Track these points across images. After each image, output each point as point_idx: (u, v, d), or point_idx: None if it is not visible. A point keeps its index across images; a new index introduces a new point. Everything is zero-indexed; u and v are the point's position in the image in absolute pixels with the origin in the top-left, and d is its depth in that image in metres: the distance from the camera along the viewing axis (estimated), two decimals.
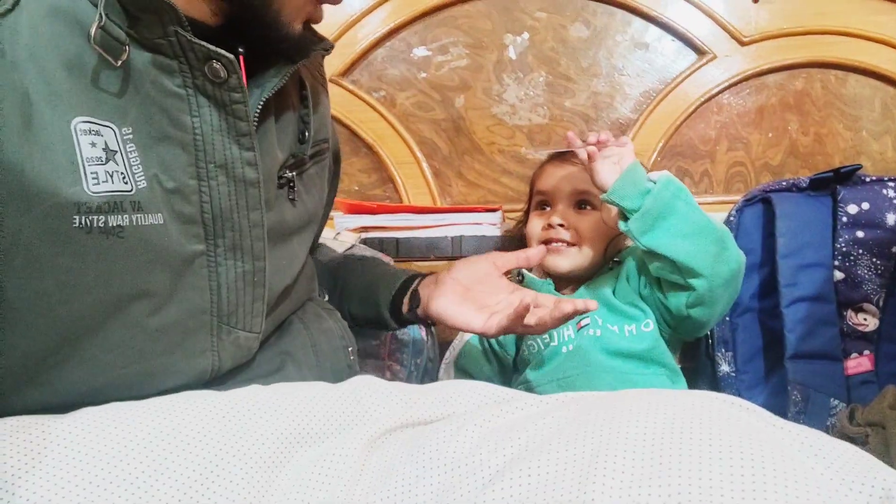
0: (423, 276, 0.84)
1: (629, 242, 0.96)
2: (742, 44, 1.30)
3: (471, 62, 1.36)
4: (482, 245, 1.14)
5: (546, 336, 0.91)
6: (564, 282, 0.97)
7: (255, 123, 0.60)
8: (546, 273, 0.98)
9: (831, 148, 1.31)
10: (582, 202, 0.95)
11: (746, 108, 1.32)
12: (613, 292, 0.92)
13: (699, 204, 1.30)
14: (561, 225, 0.94)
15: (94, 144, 0.51)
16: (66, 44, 0.51)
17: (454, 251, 1.14)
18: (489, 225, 1.15)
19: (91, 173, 0.51)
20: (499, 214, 1.17)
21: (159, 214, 0.55)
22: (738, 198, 1.30)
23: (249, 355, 0.64)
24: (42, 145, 0.49)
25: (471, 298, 0.78)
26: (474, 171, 1.36)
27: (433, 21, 1.35)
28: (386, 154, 1.35)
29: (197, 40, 0.54)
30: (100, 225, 0.52)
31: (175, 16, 0.53)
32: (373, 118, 1.35)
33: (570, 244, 0.94)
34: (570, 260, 0.94)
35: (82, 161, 0.51)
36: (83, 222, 0.51)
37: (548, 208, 0.97)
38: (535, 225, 0.97)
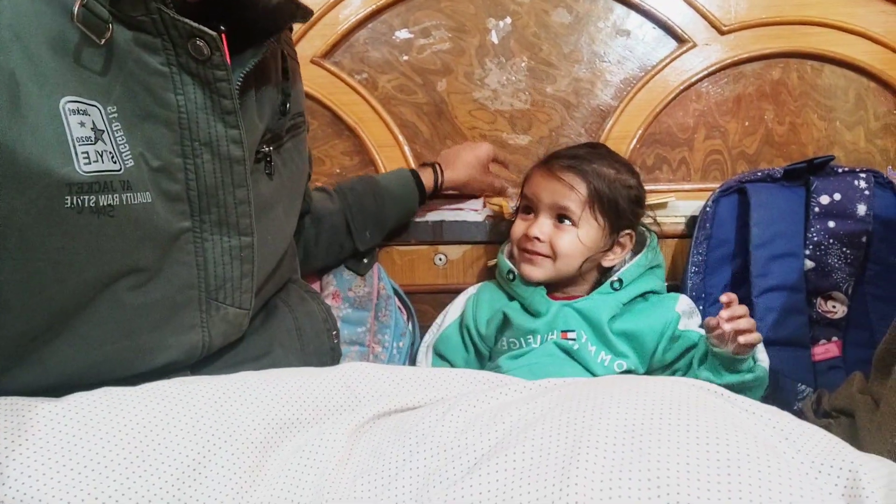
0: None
1: (611, 259, 0.98)
2: (721, 32, 1.31)
3: (453, 46, 1.36)
4: (463, 230, 1.15)
5: (529, 336, 0.94)
6: (555, 290, 0.99)
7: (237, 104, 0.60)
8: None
9: (806, 138, 1.33)
10: (562, 216, 0.97)
11: (724, 97, 1.34)
12: (612, 319, 0.93)
13: (677, 191, 1.35)
14: (538, 238, 0.96)
15: (83, 124, 0.52)
16: (50, 22, 0.51)
17: (435, 235, 1.15)
18: (471, 210, 1.16)
19: (82, 153, 0.51)
20: (480, 200, 1.18)
21: (147, 193, 0.56)
22: (715, 185, 1.33)
23: (239, 332, 0.65)
24: (31, 126, 0.49)
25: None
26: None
27: (415, 3, 1.35)
28: (367, 137, 1.35)
29: (180, 17, 0.54)
30: (91, 205, 0.52)
31: None
32: (355, 101, 1.35)
33: (544, 256, 0.96)
34: (542, 271, 0.97)
35: (72, 141, 0.51)
36: (75, 202, 0.51)
37: (531, 215, 0.99)
38: (518, 229, 1.00)
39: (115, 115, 0.54)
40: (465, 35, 1.35)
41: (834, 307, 1.02)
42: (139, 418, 0.48)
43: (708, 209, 1.06)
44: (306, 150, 0.79)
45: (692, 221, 1.12)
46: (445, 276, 1.17)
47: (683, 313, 0.96)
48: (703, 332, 0.94)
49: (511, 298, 1.00)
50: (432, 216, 1.16)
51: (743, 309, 0.84)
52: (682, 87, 1.33)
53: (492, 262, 1.13)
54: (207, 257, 0.61)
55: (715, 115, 1.34)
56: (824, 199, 1.01)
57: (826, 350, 1.01)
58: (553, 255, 0.96)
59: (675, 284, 1.08)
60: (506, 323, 0.97)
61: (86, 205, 0.52)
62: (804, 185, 1.04)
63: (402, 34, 1.36)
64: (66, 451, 0.45)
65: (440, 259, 1.16)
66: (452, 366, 0.99)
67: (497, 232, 1.16)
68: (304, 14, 0.66)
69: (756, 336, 0.83)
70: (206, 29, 0.55)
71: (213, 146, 0.59)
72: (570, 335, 0.92)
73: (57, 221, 0.51)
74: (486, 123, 1.36)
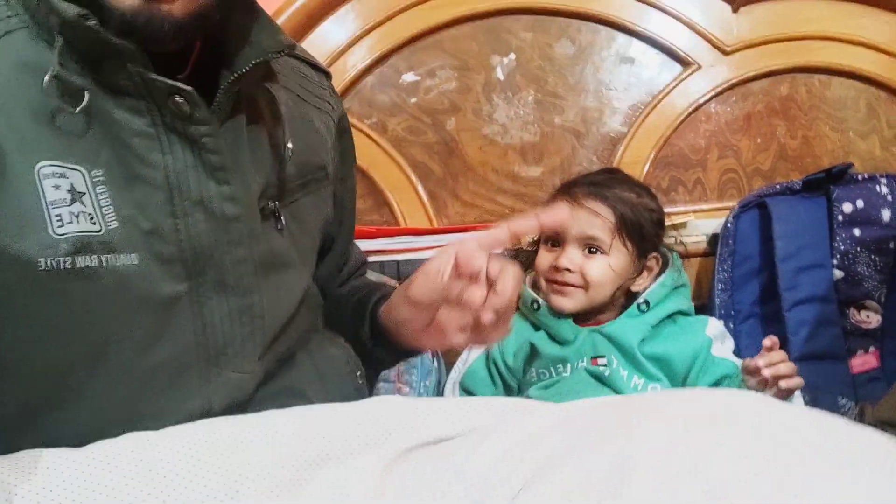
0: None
1: (640, 283, 0.96)
2: (725, 53, 1.32)
3: (459, 84, 1.37)
4: None
5: (560, 365, 0.92)
6: (583, 318, 0.98)
7: (227, 159, 0.58)
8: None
9: (820, 150, 1.32)
10: (591, 246, 0.95)
11: (734, 116, 1.33)
12: (642, 342, 0.92)
13: (695, 211, 1.34)
14: (568, 269, 0.94)
15: (57, 187, 0.51)
16: (32, 93, 0.51)
17: None
18: None
19: (55, 216, 0.51)
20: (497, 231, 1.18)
21: (133, 254, 0.54)
22: (733, 203, 1.32)
23: (244, 397, 0.62)
24: (9, 193, 0.49)
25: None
26: (469, 192, 1.37)
27: (419, 46, 1.37)
28: (380, 179, 1.36)
29: (157, 77, 0.53)
30: (66, 266, 0.51)
31: (136, 56, 0.52)
32: (365, 144, 1.36)
33: (576, 286, 0.94)
34: (574, 301, 0.95)
35: (46, 204, 0.51)
36: (49, 264, 0.50)
37: (556, 247, 0.97)
38: (544, 261, 0.98)
39: (102, 178, 0.53)
40: (470, 73, 1.36)
41: (868, 316, 1.00)
42: (163, 461, 0.47)
43: (729, 226, 1.05)
44: (328, 206, 0.75)
45: (714, 239, 1.11)
46: None
47: (714, 337, 0.94)
48: (737, 361, 0.92)
49: (536, 328, 0.98)
50: None
51: (781, 354, 0.84)
52: (690, 110, 1.32)
53: None
54: (207, 321, 0.58)
55: (726, 134, 1.33)
56: (847, 207, 1.00)
57: (864, 361, 0.98)
58: (585, 285, 0.94)
59: (703, 304, 1.06)
60: (534, 353, 0.95)
61: (61, 266, 0.51)
62: (824, 194, 1.03)
63: (409, 77, 1.37)
64: (89, 493, 0.44)
65: None
66: None
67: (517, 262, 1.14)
68: (276, 50, 0.62)
69: (798, 381, 0.83)
70: (182, 85, 0.54)
71: (205, 205, 0.57)
72: (600, 361, 0.90)
73: (33, 286, 0.50)
74: (497, 158, 1.37)
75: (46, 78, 0.50)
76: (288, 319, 0.67)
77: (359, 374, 0.77)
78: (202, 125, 0.55)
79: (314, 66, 0.77)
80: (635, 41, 1.34)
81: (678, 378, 0.91)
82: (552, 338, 0.95)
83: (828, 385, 0.94)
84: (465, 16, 1.35)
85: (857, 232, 0.99)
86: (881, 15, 1.29)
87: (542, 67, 1.36)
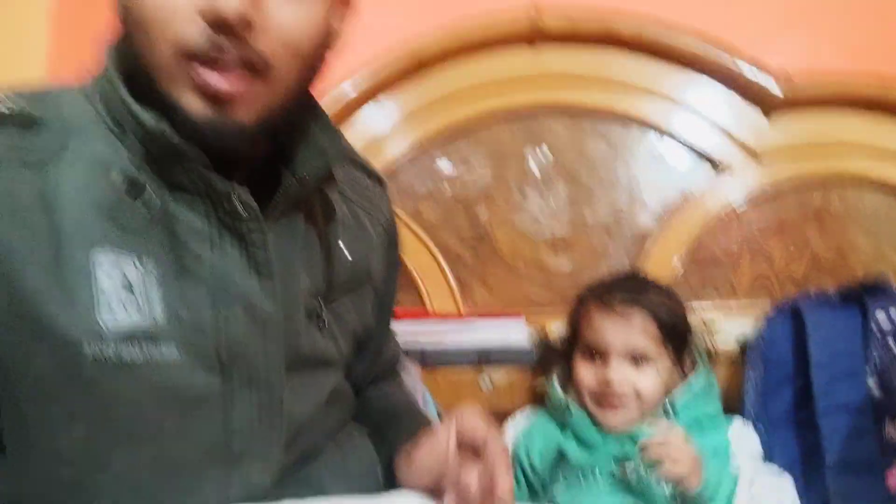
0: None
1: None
2: (757, 157, 1.33)
3: (493, 175, 1.39)
4: (507, 354, 1.13)
5: (587, 470, 0.91)
6: None
7: (272, 255, 0.60)
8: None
9: (853, 261, 1.31)
10: (638, 357, 0.93)
11: (766, 222, 1.33)
12: None
13: (724, 307, 1.32)
14: (619, 385, 0.92)
15: (110, 276, 0.53)
16: (99, 184, 0.55)
17: (480, 361, 1.13)
18: (514, 333, 1.14)
19: (105, 304, 0.53)
20: (522, 323, 1.17)
21: (174, 347, 0.55)
22: (764, 305, 1.30)
23: (263, 490, 0.61)
24: (64, 279, 0.52)
25: None
26: (498, 279, 1.37)
27: (454, 135, 1.40)
28: (410, 262, 1.37)
29: (216, 177, 0.56)
30: (111, 356, 0.52)
31: (200, 159, 0.55)
32: (400, 229, 1.37)
33: (628, 401, 0.92)
34: (627, 416, 0.93)
35: (97, 292, 0.53)
36: (95, 353, 0.52)
37: (598, 359, 0.95)
38: (587, 375, 0.95)
39: (153, 269, 0.55)
40: (504, 165, 1.39)
41: None
42: None
43: (762, 329, 1.03)
44: (368, 308, 0.76)
45: (742, 342, 1.09)
46: (492, 400, 1.14)
47: (734, 439, 0.91)
48: (753, 462, 0.90)
49: (563, 429, 0.96)
50: (474, 339, 1.14)
51: (677, 438, 0.86)
52: (721, 212, 1.33)
53: (540, 385, 1.10)
54: (234, 415, 0.58)
55: (758, 240, 1.33)
56: (882, 319, 0.98)
57: None
58: (637, 399, 0.92)
59: (733, 407, 1.03)
60: (561, 456, 0.92)
61: (107, 356, 0.52)
62: (859, 305, 1.01)
63: (444, 165, 1.40)
64: None
65: (486, 383, 1.13)
66: None
67: (548, 359, 1.13)
68: (340, 156, 0.66)
69: (679, 471, 0.84)
70: (238, 186, 0.56)
71: (245, 300, 0.58)
72: (627, 465, 0.87)
73: (77, 372, 0.52)
74: (528, 248, 1.38)
75: (114, 173, 0.54)
76: (315, 417, 0.67)
77: (378, 469, 0.76)
78: (251, 223, 0.57)
79: (369, 172, 0.79)
80: (667, 140, 1.36)
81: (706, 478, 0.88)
82: (580, 441, 0.93)
83: (863, 499, 0.90)
84: (503, 110, 1.39)
85: (892, 344, 0.97)
86: None
87: (576, 161, 1.38)
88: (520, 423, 1.02)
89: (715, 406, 0.95)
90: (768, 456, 0.97)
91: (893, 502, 0.92)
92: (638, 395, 0.91)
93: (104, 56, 0.58)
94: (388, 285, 0.81)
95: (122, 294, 0.53)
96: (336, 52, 0.64)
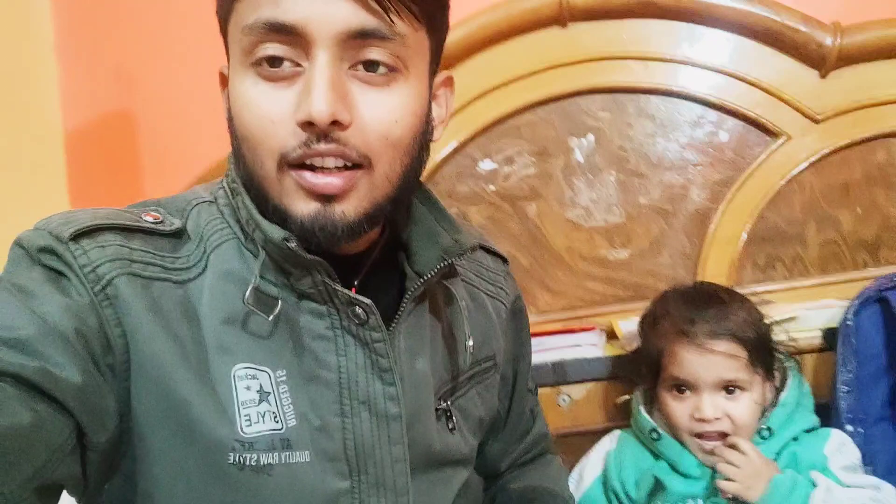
0: None
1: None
2: (816, 122, 1.26)
3: (538, 170, 1.34)
4: (584, 368, 1.11)
5: (689, 501, 0.88)
6: None
7: (397, 359, 0.61)
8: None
9: None
10: (731, 387, 0.90)
11: (830, 186, 1.28)
12: None
13: (794, 289, 1.28)
14: (715, 418, 0.89)
15: (248, 388, 0.56)
16: (233, 299, 0.57)
17: (557, 378, 1.11)
18: (589, 346, 1.12)
19: (245, 415, 0.55)
20: (596, 333, 1.14)
21: (307, 452, 0.57)
22: (836, 279, 1.26)
23: None
24: (209, 388, 0.55)
25: None
26: (557, 280, 1.34)
27: (495, 133, 1.35)
28: None
29: (342, 289, 0.58)
30: (252, 463, 0.55)
31: (324, 269, 0.57)
32: None
33: (726, 434, 0.90)
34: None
35: (238, 404, 0.55)
36: (237, 459, 0.55)
37: (687, 391, 0.91)
38: (678, 412, 0.91)
39: (284, 378, 0.58)
40: (548, 157, 1.34)
41: None
42: None
43: (849, 322, 0.99)
44: (494, 394, 0.77)
45: (828, 333, 1.05)
46: (572, 417, 1.12)
47: (831, 454, 0.89)
48: (846, 474, 0.87)
49: (656, 457, 0.94)
50: (548, 356, 1.12)
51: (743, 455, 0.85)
52: (783, 182, 1.28)
53: (621, 400, 1.08)
54: None
55: (823, 206, 1.28)
56: None
57: None
58: (733, 430, 0.89)
59: (824, 403, 1.00)
60: (658, 486, 0.91)
61: (247, 462, 0.55)
62: None
63: (486, 164, 1.35)
64: None
65: (564, 400, 1.11)
66: None
67: (624, 368, 1.11)
68: (460, 250, 0.64)
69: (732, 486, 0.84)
70: (362, 298, 0.58)
71: (370, 404, 0.59)
72: (728, 496, 0.86)
73: (220, 476, 0.54)
74: (584, 243, 1.34)
75: (248, 290, 0.56)
76: None
77: None
78: (375, 331, 0.59)
79: (490, 251, 0.80)
80: (718, 114, 1.30)
81: None
82: (675, 470, 0.91)
83: None
84: (540, 100, 1.33)
85: None
86: None
87: (623, 147, 1.32)
88: (607, 446, 1.00)
89: (810, 420, 0.92)
90: (868, 458, 0.94)
91: None
92: (733, 423, 0.89)
93: (228, 164, 0.61)
94: (519, 361, 0.81)
95: (259, 405, 0.56)
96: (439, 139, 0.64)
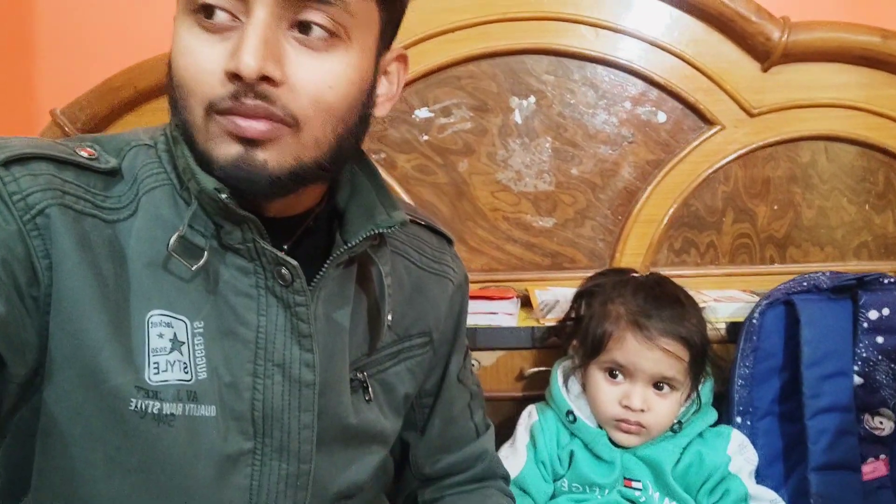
0: None
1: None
2: (751, 115, 1.28)
3: (475, 125, 1.31)
4: (497, 336, 1.11)
5: (594, 485, 0.91)
6: None
7: (317, 326, 0.60)
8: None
9: (835, 221, 1.31)
10: (662, 384, 0.92)
11: (753, 179, 1.31)
12: (675, 465, 0.90)
13: (703, 276, 1.32)
14: (641, 409, 0.90)
15: (161, 335, 0.56)
16: (158, 245, 0.56)
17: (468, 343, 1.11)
18: (504, 315, 1.12)
19: (154, 363, 0.55)
20: (513, 302, 1.14)
21: (213, 407, 0.57)
22: (743, 270, 1.31)
23: None
24: (122, 332, 0.54)
25: None
26: (477, 237, 1.33)
27: (435, 81, 1.30)
28: None
29: (270, 247, 0.57)
30: (153, 411, 0.55)
31: (255, 225, 0.57)
32: None
33: (645, 426, 0.91)
34: (641, 439, 0.92)
35: (148, 350, 0.55)
36: (139, 406, 0.54)
37: (620, 377, 0.92)
38: (608, 396, 0.92)
39: (201, 329, 0.57)
40: (487, 114, 1.30)
41: (881, 423, 1.01)
42: None
43: (755, 321, 1.03)
44: (422, 374, 0.75)
45: (732, 327, 1.09)
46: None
47: (734, 454, 0.94)
48: (751, 482, 0.93)
49: (572, 436, 0.95)
50: None
51: None
52: (710, 170, 1.29)
53: (529, 372, 1.09)
54: (262, 482, 0.60)
55: (743, 198, 1.31)
56: (873, 315, 0.99)
57: (874, 469, 0.99)
58: (654, 423, 0.91)
59: (720, 392, 1.05)
60: (571, 462, 0.93)
61: (149, 410, 0.54)
62: (851, 297, 1.01)
63: (422, 113, 1.30)
64: None
65: (473, 365, 1.11)
66: (535, 502, 0.93)
67: (533, 337, 1.11)
68: (389, 223, 0.63)
69: None
70: (289, 259, 0.58)
71: (285, 368, 0.59)
72: (634, 484, 0.89)
73: (119, 422, 0.54)
74: (510, 205, 1.32)
75: (174, 237, 0.56)
76: (350, 492, 0.68)
77: None
78: (298, 294, 0.59)
79: (434, 230, 0.78)
80: (660, 94, 1.29)
81: (693, 491, 0.91)
82: (589, 450, 0.93)
83: (840, 495, 0.95)
84: (485, 53, 1.28)
85: (879, 340, 0.99)
86: None
87: (562, 114, 1.30)
88: (529, 419, 0.98)
89: (713, 415, 0.96)
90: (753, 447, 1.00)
91: (865, 494, 0.97)
92: (656, 419, 0.91)
93: (171, 113, 0.59)
94: (451, 346, 0.80)
95: (170, 354, 0.56)
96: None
